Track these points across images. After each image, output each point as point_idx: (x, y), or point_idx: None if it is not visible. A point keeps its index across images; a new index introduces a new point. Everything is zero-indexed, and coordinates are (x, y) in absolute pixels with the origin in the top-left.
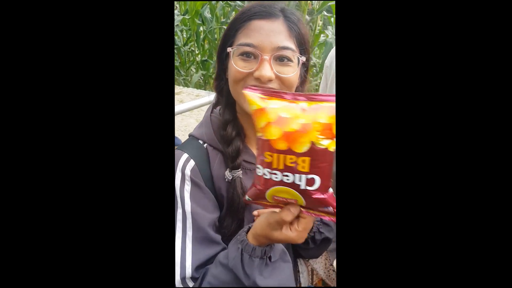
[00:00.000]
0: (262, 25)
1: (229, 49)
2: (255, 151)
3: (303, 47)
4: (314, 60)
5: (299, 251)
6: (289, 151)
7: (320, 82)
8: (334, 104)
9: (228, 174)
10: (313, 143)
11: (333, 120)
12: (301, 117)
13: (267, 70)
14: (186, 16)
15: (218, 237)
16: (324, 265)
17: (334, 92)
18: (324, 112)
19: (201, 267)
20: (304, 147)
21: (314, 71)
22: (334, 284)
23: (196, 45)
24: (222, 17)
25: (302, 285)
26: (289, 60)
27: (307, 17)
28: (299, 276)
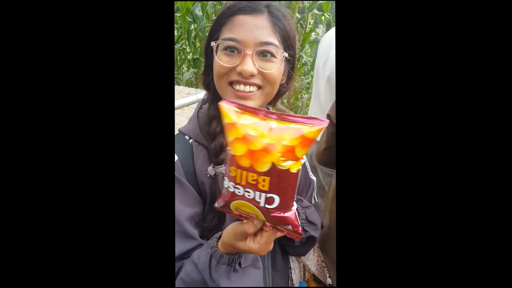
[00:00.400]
0: (246, 20)
1: (212, 43)
2: None
3: (287, 43)
4: (305, 58)
5: (287, 249)
6: (251, 169)
7: (311, 80)
8: (302, 127)
9: (211, 170)
10: (273, 164)
11: (296, 143)
12: (267, 136)
13: (249, 65)
14: (177, 14)
15: (195, 232)
16: (316, 261)
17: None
18: (289, 133)
19: (175, 261)
20: (265, 167)
21: (306, 69)
22: (325, 279)
23: (187, 43)
24: (213, 14)
25: (294, 282)
26: (272, 55)
27: (297, 15)
28: (290, 273)
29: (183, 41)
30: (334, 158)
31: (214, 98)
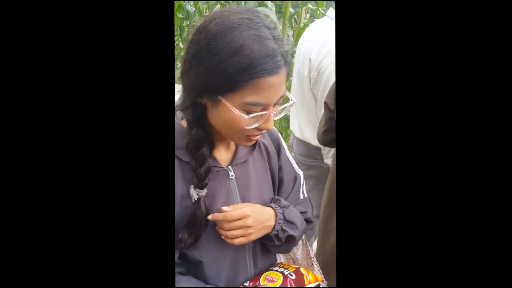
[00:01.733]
0: (271, 82)
1: (244, 116)
2: (217, 156)
3: None
4: None
5: (268, 248)
6: None
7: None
8: None
9: (194, 194)
10: None
11: None
12: None
13: (272, 123)
14: None
15: None
16: (306, 255)
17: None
18: None
19: None
20: None
21: None
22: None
23: (180, 39)
24: (206, 10)
25: None
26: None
27: (291, 10)
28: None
29: (176, 37)
30: (333, 138)
31: (198, 119)
